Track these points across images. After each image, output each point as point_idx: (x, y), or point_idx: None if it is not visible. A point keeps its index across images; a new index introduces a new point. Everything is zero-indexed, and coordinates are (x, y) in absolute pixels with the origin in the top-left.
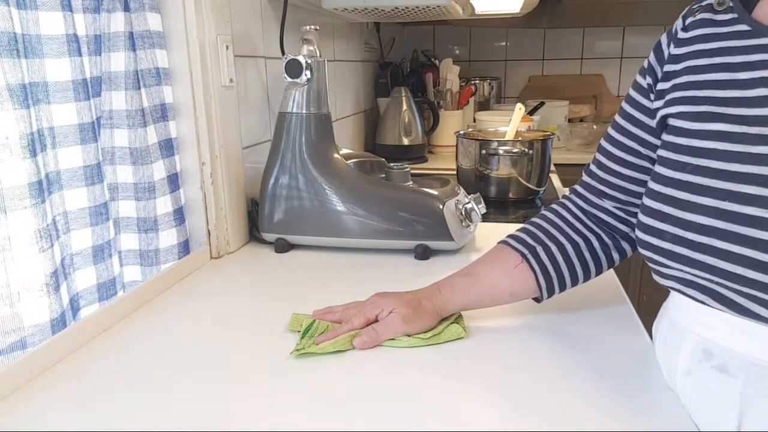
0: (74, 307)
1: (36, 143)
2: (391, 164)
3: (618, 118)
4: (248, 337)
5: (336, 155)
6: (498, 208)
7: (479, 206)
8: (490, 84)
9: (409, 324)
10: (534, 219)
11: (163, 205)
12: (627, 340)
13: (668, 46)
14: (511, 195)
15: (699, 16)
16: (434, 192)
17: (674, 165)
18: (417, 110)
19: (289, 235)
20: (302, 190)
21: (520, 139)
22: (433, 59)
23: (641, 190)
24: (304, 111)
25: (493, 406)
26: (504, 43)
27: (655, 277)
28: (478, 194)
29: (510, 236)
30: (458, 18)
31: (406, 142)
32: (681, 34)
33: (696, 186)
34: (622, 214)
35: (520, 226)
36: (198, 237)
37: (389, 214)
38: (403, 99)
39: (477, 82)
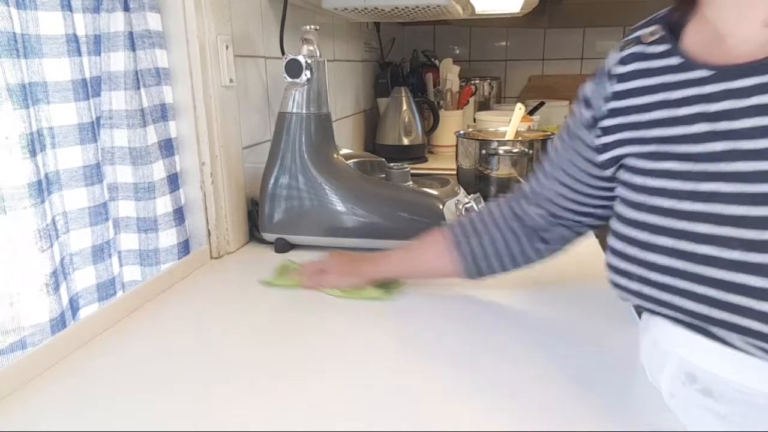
0: (74, 306)
1: (35, 143)
2: (391, 164)
3: (560, 146)
4: (248, 337)
5: (336, 155)
6: None
7: (479, 206)
8: (490, 84)
9: (342, 280)
10: (473, 213)
11: (163, 205)
12: (623, 340)
13: (609, 81)
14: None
15: (632, 50)
16: (434, 192)
17: (632, 205)
18: (417, 110)
19: (289, 235)
20: (302, 190)
21: (520, 139)
22: (433, 59)
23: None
24: (304, 111)
25: (487, 406)
26: (504, 43)
27: (633, 308)
28: (478, 194)
29: (450, 223)
30: (458, 18)
31: (406, 142)
32: (617, 69)
33: (653, 226)
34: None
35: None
36: (198, 237)
37: (389, 214)
38: (403, 99)
39: (477, 82)
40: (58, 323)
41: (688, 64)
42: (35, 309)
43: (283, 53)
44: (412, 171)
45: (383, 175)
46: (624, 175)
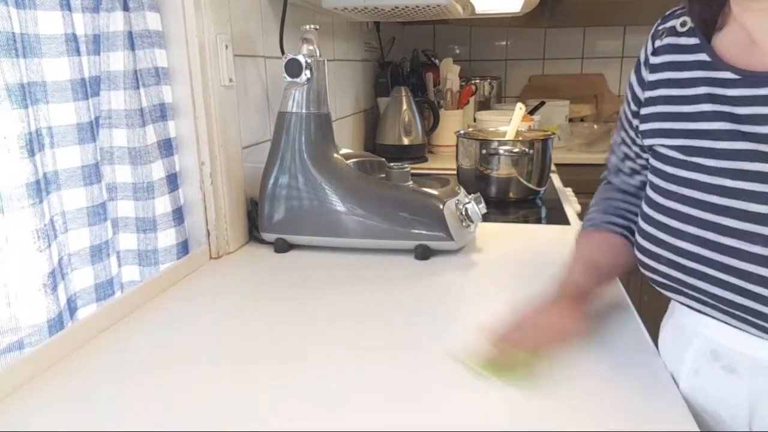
0: (71, 307)
1: (34, 143)
2: (391, 164)
3: (618, 123)
4: (247, 338)
5: (336, 155)
6: (498, 208)
7: (479, 206)
8: (490, 83)
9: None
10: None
11: (162, 205)
12: (627, 340)
13: (645, 71)
14: (511, 195)
15: (665, 41)
16: (434, 192)
17: (663, 192)
18: (417, 110)
19: (288, 235)
20: (302, 190)
21: (520, 138)
22: (433, 59)
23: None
24: (303, 111)
25: (492, 406)
26: (504, 43)
27: (658, 289)
28: (479, 194)
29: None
30: (458, 17)
31: (406, 141)
32: (652, 59)
33: (683, 215)
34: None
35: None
36: (197, 237)
37: (389, 214)
38: (403, 99)
39: (477, 81)
40: (56, 324)
41: (717, 64)
42: (33, 309)
43: (282, 53)
44: (412, 171)
45: (383, 175)
46: (656, 163)
